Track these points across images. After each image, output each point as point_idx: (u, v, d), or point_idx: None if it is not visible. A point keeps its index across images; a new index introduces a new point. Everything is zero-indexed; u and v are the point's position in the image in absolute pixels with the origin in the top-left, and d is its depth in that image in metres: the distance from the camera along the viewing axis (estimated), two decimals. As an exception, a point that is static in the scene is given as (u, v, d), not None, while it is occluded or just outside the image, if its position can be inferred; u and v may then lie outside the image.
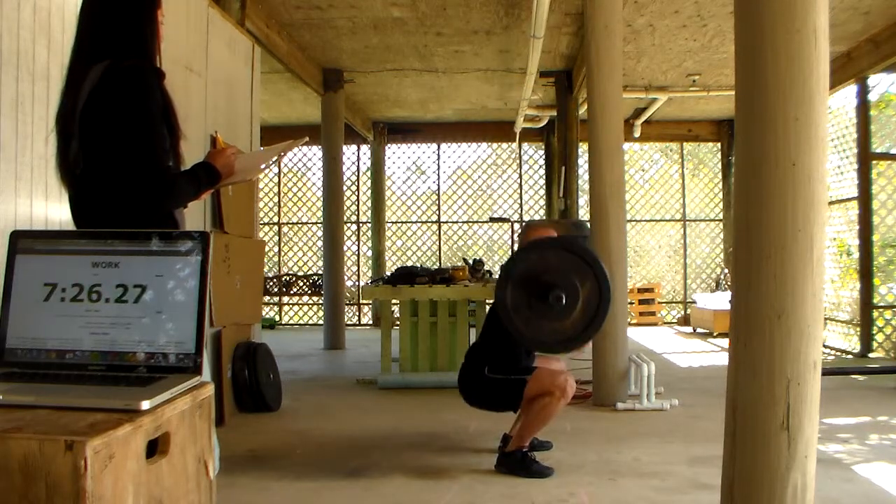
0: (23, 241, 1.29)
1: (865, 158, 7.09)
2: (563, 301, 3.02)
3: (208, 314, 3.09)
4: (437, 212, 11.10)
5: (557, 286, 3.03)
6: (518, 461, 3.19)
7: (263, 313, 8.50)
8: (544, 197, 10.83)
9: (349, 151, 10.64)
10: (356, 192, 11.01)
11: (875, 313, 7.12)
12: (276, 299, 10.98)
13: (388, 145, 10.94)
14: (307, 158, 11.14)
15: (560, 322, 3.09)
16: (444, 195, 11.16)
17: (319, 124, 8.24)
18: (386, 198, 10.98)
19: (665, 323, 10.67)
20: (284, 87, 8.34)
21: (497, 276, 3.21)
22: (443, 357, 5.56)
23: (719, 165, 10.81)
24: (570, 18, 6.36)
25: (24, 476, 0.91)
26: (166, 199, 1.80)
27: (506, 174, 11.20)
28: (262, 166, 2.15)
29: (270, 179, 11.10)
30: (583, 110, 7.74)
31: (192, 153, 2.05)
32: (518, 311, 3.09)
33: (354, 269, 11.05)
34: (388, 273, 6.68)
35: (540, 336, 3.13)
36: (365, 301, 10.91)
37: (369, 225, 10.90)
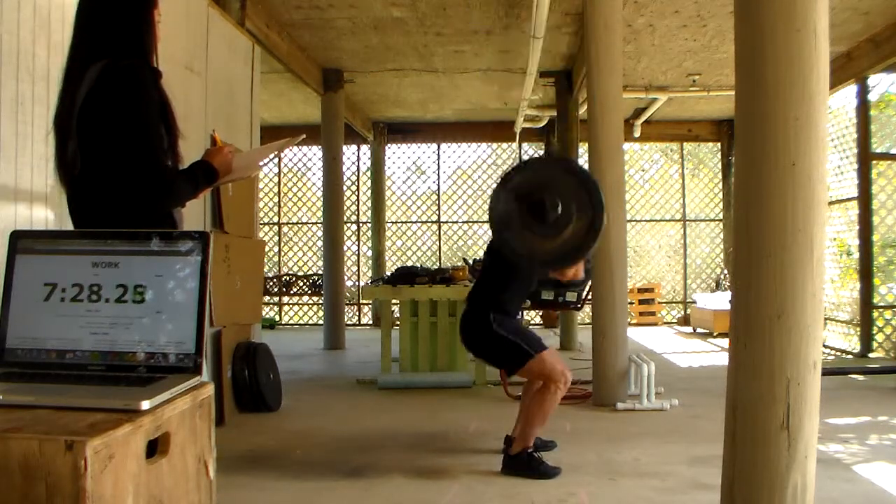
0: (23, 241, 1.29)
1: (865, 158, 7.09)
2: (559, 210, 2.94)
3: (208, 314, 3.09)
4: (437, 212, 11.09)
5: (553, 196, 2.95)
6: (525, 462, 3.18)
7: (263, 313, 8.49)
8: (544, 197, 10.80)
9: (349, 151, 10.63)
10: (356, 192, 11.01)
11: (875, 313, 7.12)
12: (276, 299, 10.98)
13: (388, 145, 10.93)
14: (307, 158, 11.14)
15: (547, 242, 3.01)
16: (444, 195, 11.16)
17: (319, 124, 8.24)
18: (386, 198, 10.98)
19: (665, 323, 10.66)
20: (284, 87, 8.34)
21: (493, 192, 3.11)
22: (443, 357, 5.56)
23: (719, 165, 10.81)
24: (570, 18, 6.36)
25: (24, 476, 0.91)
26: (164, 199, 1.81)
27: (506, 174, 11.18)
28: (260, 163, 2.16)
29: (270, 179, 11.10)
30: (583, 110, 7.74)
31: (191, 153, 2.05)
32: (505, 219, 3.02)
33: (354, 269, 11.05)
34: (388, 273, 6.68)
35: (528, 251, 3.05)
36: (365, 301, 10.91)
37: (369, 225, 10.90)
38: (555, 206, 2.95)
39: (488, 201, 3.09)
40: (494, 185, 3.09)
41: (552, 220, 2.97)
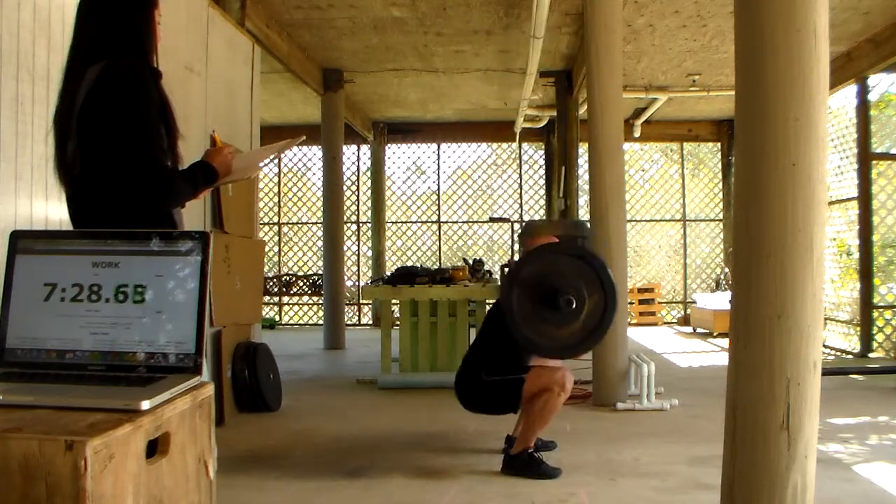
0: (23, 241, 1.29)
1: (865, 158, 7.09)
2: (574, 305, 3.01)
3: (208, 314, 3.09)
4: (437, 212, 11.10)
5: (566, 291, 3.02)
6: (525, 462, 3.18)
7: (263, 313, 8.49)
8: (544, 197, 10.83)
9: (349, 151, 10.64)
10: (356, 192, 11.01)
11: (875, 313, 7.12)
12: (276, 299, 10.98)
13: (388, 145, 10.94)
14: (307, 158, 11.15)
15: (565, 328, 3.08)
16: (444, 195, 11.16)
17: (319, 124, 8.24)
18: (386, 198, 10.98)
19: (665, 323, 10.67)
20: (284, 87, 8.34)
21: (502, 278, 3.22)
22: (443, 357, 5.56)
23: (719, 165, 10.81)
24: (570, 18, 6.36)
25: (24, 476, 0.91)
26: (164, 199, 1.81)
27: (506, 174, 11.20)
28: (260, 164, 2.16)
29: (270, 179, 11.10)
30: (583, 110, 7.75)
31: (191, 153, 2.05)
32: (523, 314, 3.08)
33: (354, 269, 11.05)
34: (388, 273, 6.68)
35: (543, 340, 3.13)
36: (365, 301, 10.91)
37: (369, 225, 10.90)
38: (569, 304, 3.03)
39: (502, 292, 3.17)
40: (506, 278, 3.19)
41: (567, 312, 3.05)
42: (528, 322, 3.09)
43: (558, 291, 3.03)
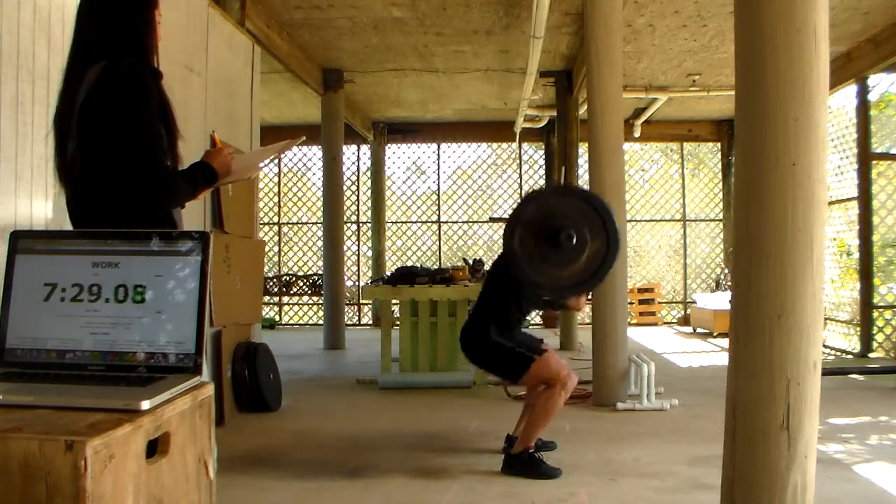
0: (23, 241, 1.29)
1: (865, 158, 7.09)
2: (574, 241, 2.98)
3: (208, 314, 3.09)
4: (437, 212, 11.09)
5: (568, 228, 2.99)
6: (526, 462, 3.18)
7: (263, 313, 8.49)
8: (544, 197, 10.80)
9: (349, 151, 10.64)
10: (356, 192, 11.01)
11: (875, 313, 7.11)
12: (276, 299, 10.98)
13: (388, 145, 10.94)
14: (307, 158, 11.15)
15: (566, 268, 3.04)
16: (444, 195, 11.16)
17: (319, 124, 8.24)
18: (386, 198, 10.98)
19: (665, 323, 10.67)
20: (284, 87, 8.34)
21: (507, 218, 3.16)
22: (443, 357, 5.56)
23: (719, 165, 10.81)
24: (570, 18, 6.36)
25: (24, 476, 0.91)
26: (164, 199, 1.80)
27: (506, 174, 11.20)
28: (260, 165, 2.16)
29: (270, 179, 11.10)
30: (583, 110, 7.74)
31: (191, 153, 2.05)
32: (525, 253, 3.06)
33: (354, 269, 11.05)
34: (388, 273, 6.68)
35: (544, 279, 3.10)
36: (365, 301, 10.91)
37: (369, 225, 10.90)
38: (570, 238, 2.99)
39: (503, 235, 3.13)
40: (508, 220, 3.13)
41: (568, 249, 3.01)
42: (530, 261, 3.06)
43: (560, 229, 3.00)
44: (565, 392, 3.19)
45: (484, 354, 3.36)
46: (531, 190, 3.59)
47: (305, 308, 11.17)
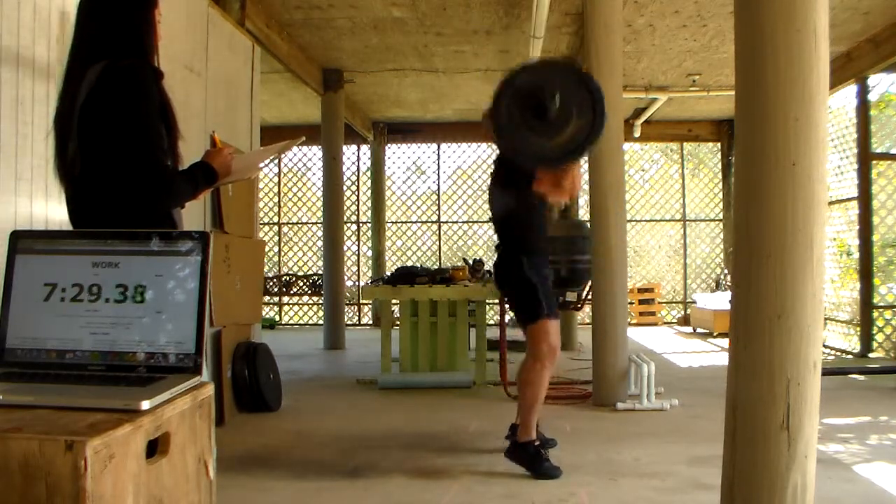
0: (23, 241, 1.29)
1: (865, 158, 7.09)
2: (557, 103, 2.92)
3: (208, 314, 3.09)
4: (437, 212, 11.09)
5: (554, 90, 2.94)
6: (531, 455, 3.18)
7: (263, 313, 8.49)
8: (544, 197, 10.80)
9: (349, 151, 10.63)
10: (356, 192, 11.01)
11: (875, 313, 7.11)
12: (276, 299, 10.98)
13: (388, 145, 10.93)
14: (307, 158, 11.14)
15: (550, 140, 3.00)
16: (444, 195, 11.16)
17: (319, 124, 8.24)
18: (386, 198, 10.98)
19: (665, 323, 10.66)
20: (284, 87, 8.34)
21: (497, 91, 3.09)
22: (443, 357, 5.56)
23: (719, 165, 10.81)
24: (570, 18, 6.36)
25: (24, 476, 0.91)
26: (164, 199, 1.80)
27: (506, 174, 11.17)
28: (260, 165, 2.16)
29: (270, 179, 11.10)
30: (583, 110, 7.72)
31: (191, 153, 2.05)
32: (510, 120, 3.00)
33: (354, 269, 11.05)
34: (388, 273, 6.67)
35: (526, 148, 3.05)
36: (365, 301, 10.90)
37: (369, 225, 10.89)
38: (552, 97, 2.92)
39: (491, 104, 3.06)
40: (499, 85, 3.05)
41: (552, 117, 2.96)
42: (514, 129, 3.02)
43: (548, 94, 2.94)
44: (546, 369, 3.24)
45: (512, 284, 3.37)
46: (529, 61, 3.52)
47: (305, 308, 11.17)
